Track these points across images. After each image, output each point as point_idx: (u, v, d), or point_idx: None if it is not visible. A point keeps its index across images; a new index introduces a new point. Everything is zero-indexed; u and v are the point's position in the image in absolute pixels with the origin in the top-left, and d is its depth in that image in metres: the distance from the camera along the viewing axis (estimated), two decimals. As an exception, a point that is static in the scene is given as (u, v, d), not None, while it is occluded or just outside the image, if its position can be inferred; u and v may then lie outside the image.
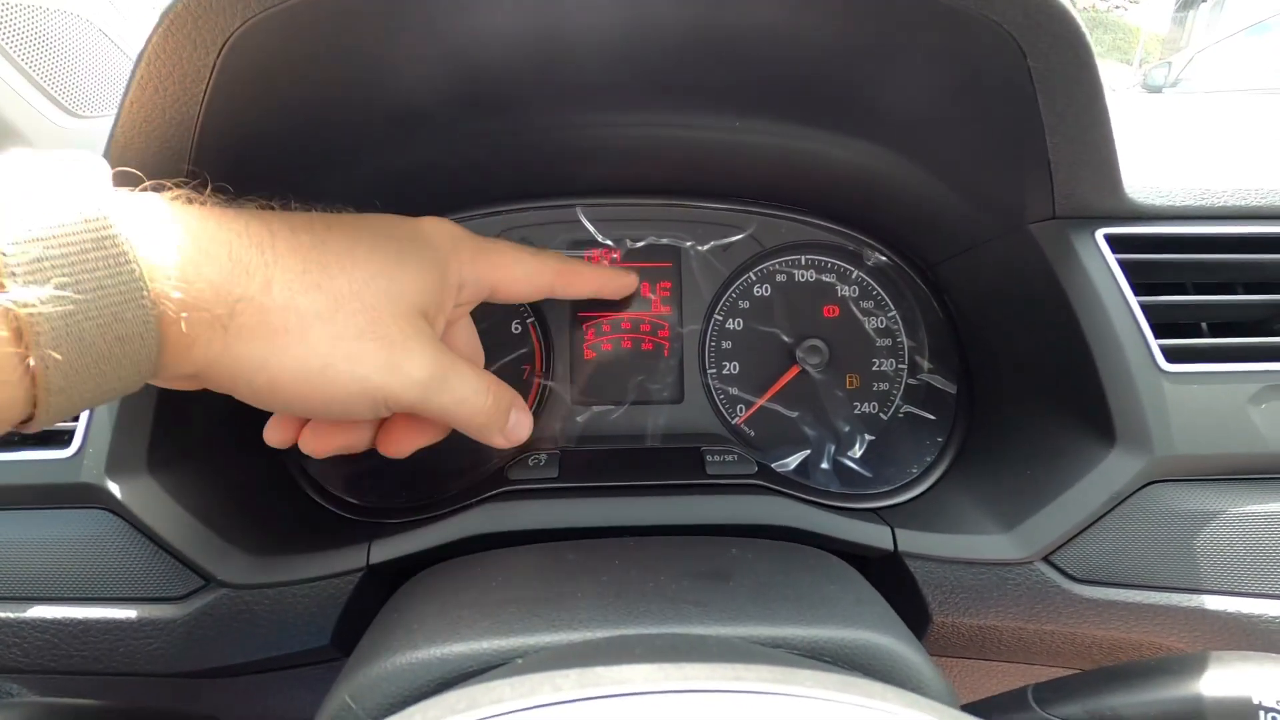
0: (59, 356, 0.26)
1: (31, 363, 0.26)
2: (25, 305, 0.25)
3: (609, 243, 0.63)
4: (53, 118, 0.72)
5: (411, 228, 0.41)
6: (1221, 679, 0.32)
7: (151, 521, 0.42)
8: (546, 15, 0.39)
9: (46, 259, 0.26)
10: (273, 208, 0.37)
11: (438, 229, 0.43)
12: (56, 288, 0.26)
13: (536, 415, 0.63)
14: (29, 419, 0.28)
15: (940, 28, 0.38)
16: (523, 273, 0.47)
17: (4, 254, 0.25)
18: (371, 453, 0.61)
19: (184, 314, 0.30)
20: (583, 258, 0.63)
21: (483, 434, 0.44)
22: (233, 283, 0.31)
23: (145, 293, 0.28)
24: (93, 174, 0.30)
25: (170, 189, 0.33)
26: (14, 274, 0.25)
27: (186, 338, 0.30)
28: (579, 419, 0.63)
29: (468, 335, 0.49)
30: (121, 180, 0.33)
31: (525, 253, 0.48)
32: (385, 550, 0.46)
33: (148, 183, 0.32)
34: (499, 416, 0.44)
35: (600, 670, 0.25)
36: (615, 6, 0.39)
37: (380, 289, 0.36)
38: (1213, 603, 0.43)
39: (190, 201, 0.33)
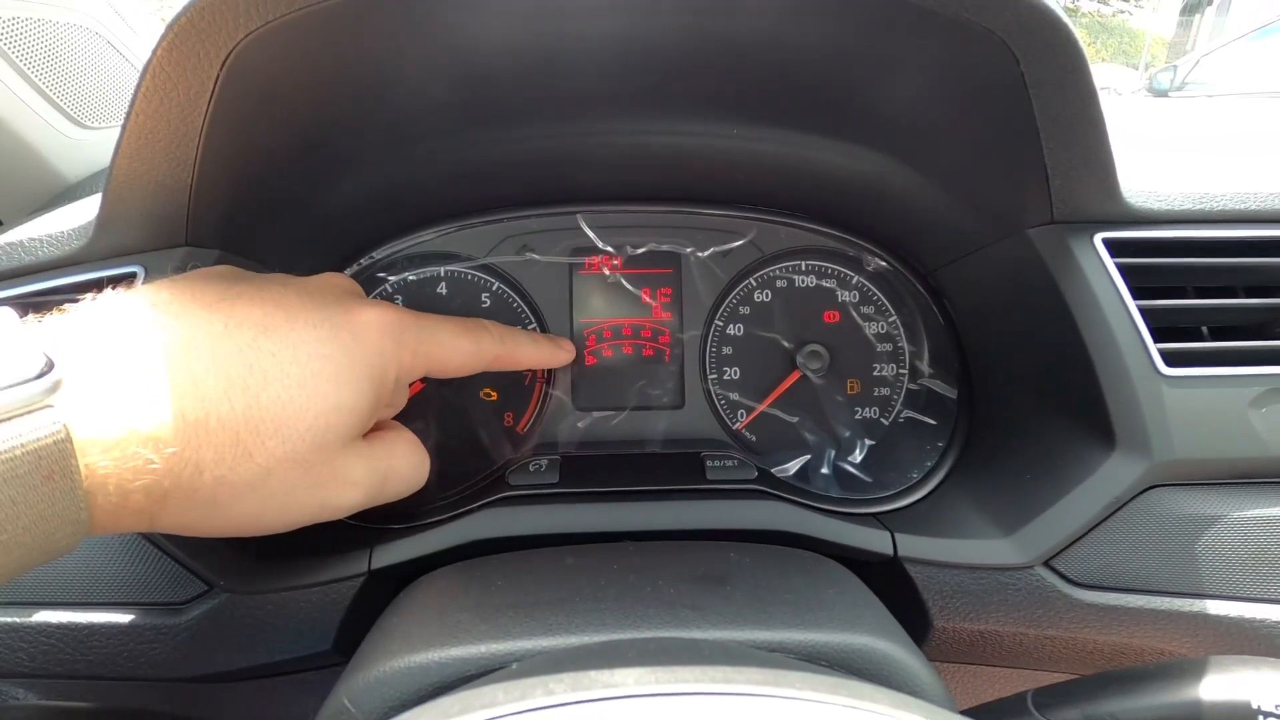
0: None
1: None
2: None
3: (610, 249, 0.63)
4: (61, 129, 0.73)
5: (351, 337, 0.39)
6: (1220, 683, 0.32)
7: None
8: (546, 25, 0.40)
9: None
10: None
11: (377, 330, 0.41)
12: (3, 528, 0.26)
13: (538, 421, 0.63)
14: None
15: (934, 35, 0.39)
16: (459, 359, 0.48)
17: None
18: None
19: (114, 519, 0.30)
20: (584, 264, 0.64)
21: None
22: (163, 479, 0.31)
23: (84, 513, 0.29)
24: (54, 374, 0.28)
25: (125, 298, 0.33)
26: None
27: (110, 527, 0.31)
28: (580, 424, 0.63)
29: (400, 395, 0.50)
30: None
31: (464, 336, 0.48)
32: (387, 555, 0.46)
33: (88, 303, 0.33)
34: (424, 478, 0.47)
35: (593, 673, 0.25)
36: (614, 16, 0.40)
37: (315, 439, 0.36)
38: (1214, 607, 0.43)
39: (124, 356, 0.31)
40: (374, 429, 0.45)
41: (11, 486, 0.26)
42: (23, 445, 0.26)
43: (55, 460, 0.27)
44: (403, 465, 0.44)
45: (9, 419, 0.26)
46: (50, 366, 0.29)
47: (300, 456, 0.35)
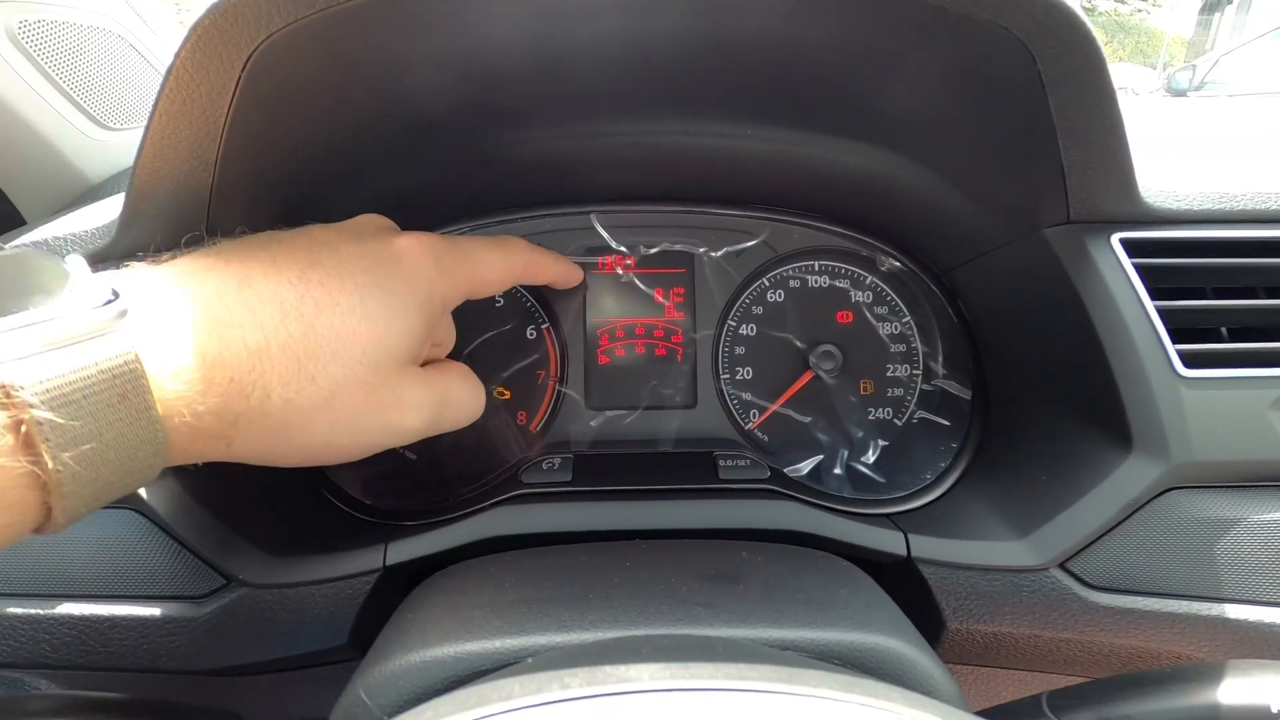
0: (76, 500, 0.28)
1: (52, 503, 0.27)
2: (51, 454, 0.26)
3: (623, 249, 0.64)
4: (84, 129, 0.75)
5: (396, 264, 0.41)
6: (1238, 687, 0.32)
7: (175, 522, 0.44)
8: (559, 26, 0.40)
9: (78, 407, 0.27)
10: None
11: (417, 255, 0.42)
12: (87, 439, 0.27)
13: (551, 420, 0.64)
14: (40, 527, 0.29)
15: (950, 33, 0.39)
16: (495, 273, 0.49)
17: (32, 402, 0.26)
18: (389, 456, 0.62)
19: (191, 441, 0.32)
20: (597, 264, 0.64)
21: None
22: (233, 402, 0.33)
23: (160, 433, 0.30)
24: (117, 305, 0.30)
25: (178, 258, 0.35)
26: (40, 422, 0.26)
27: (192, 451, 0.33)
28: (593, 423, 0.64)
29: (446, 328, 0.50)
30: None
31: (496, 249, 0.49)
32: (401, 551, 0.47)
33: (145, 260, 0.34)
34: (481, 408, 0.48)
35: (608, 669, 0.25)
36: (627, 16, 0.40)
37: (372, 361, 0.38)
38: (1232, 611, 0.43)
39: (184, 294, 0.33)
40: (427, 363, 0.46)
41: (90, 403, 0.27)
42: (97, 366, 0.28)
43: (128, 380, 0.29)
44: (459, 392, 0.45)
45: (83, 342, 0.28)
46: (116, 296, 0.30)
47: (360, 379, 0.37)
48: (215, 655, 0.44)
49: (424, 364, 0.45)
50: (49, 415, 0.26)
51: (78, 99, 0.74)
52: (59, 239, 0.47)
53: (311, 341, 0.35)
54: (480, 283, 0.48)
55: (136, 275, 0.33)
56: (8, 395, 0.25)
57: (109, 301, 0.30)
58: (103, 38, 0.78)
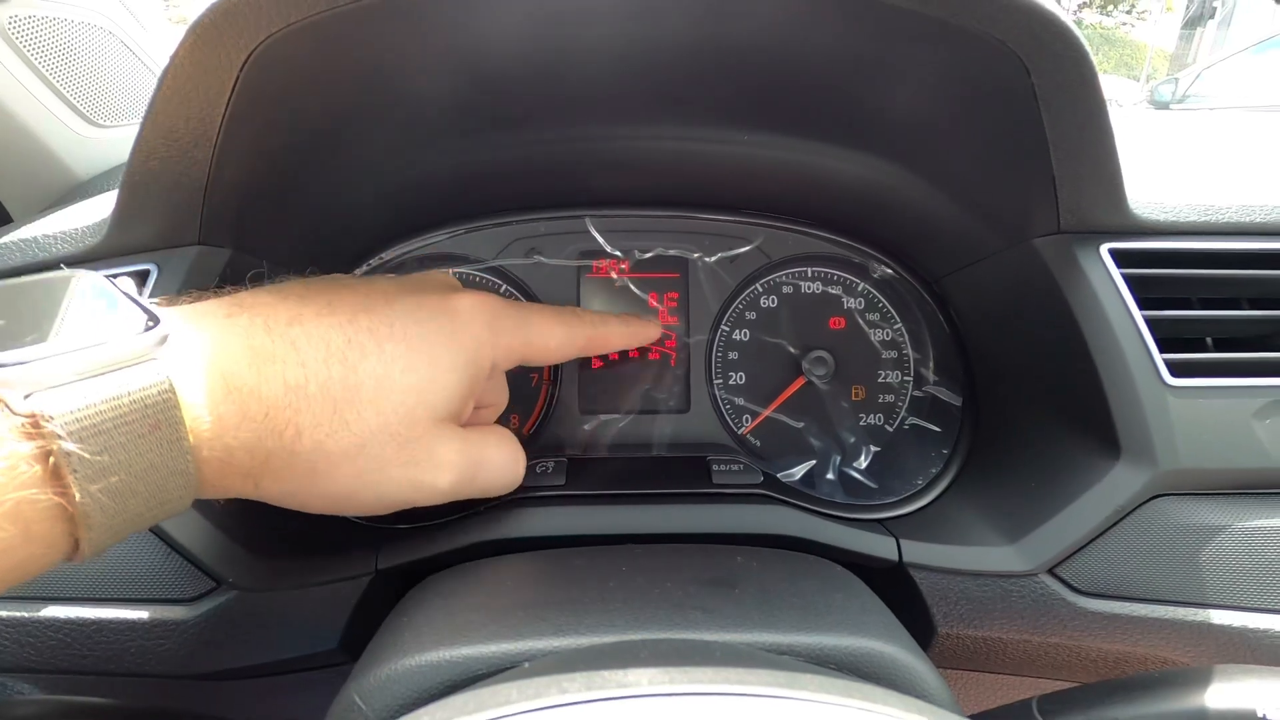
0: (103, 532, 0.27)
1: (79, 535, 0.27)
2: (79, 487, 0.26)
3: (617, 254, 0.64)
4: (74, 127, 0.74)
5: (449, 320, 0.41)
6: (1226, 692, 0.32)
7: (165, 524, 0.43)
8: (557, 29, 0.40)
9: (108, 437, 0.26)
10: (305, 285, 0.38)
11: (473, 313, 0.42)
12: (115, 471, 0.27)
13: (544, 423, 0.64)
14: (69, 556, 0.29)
15: (944, 44, 0.39)
16: (554, 344, 0.48)
17: (60, 434, 0.25)
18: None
19: (221, 478, 0.32)
20: (591, 268, 0.64)
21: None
22: (265, 439, 0.32)
23: (191, 466, 0.30)
24: (157, 331, 0.30)
25: (213, 298, 0.34)
26: (68, 454, 0.25)
27: (221, 488, 0.33)
28: (586, 427, 0.64)
29: (497, 389, 0.50)
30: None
31: (558, 323, 0.48)
32: (394, 555, 0.47)
33: (196, 293, 0.34)
34: (520, 477, 0.47)
35: (606, 673, 0.25)
36: (625, 21, 0.40)
37: (408, 413, 0.37)
38: (1218, 617, 0.43)
39: (230, 324, 0.33)
40: (470, 425, 0.45)
41: (121, 433, 0.27)
42: (130, 395, 0.27)
43: (161, 411, 0.28)
44: (496, 456, 0.44)
45: (117, 370, 0.27)
46: (156, 322, 0.30)
47: (394, 430, 0.36)
48: (205, 659, 0.44)
49: (467, 425, 0.44)
50: (76, 448, 0.25)
51: (68, 95, 0.73)
52: (47, 237, 0.46)
53: (351, 386, 0.35)
54: (538, 352, 0.47)
55: (181, 301, 0.33)
56: (37, 426, 0.25)
57: (149, 328, 0.29)
58: (94, 34, 0.77)
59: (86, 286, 0.30)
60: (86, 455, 0.26)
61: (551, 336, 0.47)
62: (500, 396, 0.50)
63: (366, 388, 0.35)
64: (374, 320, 0.37)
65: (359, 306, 0.37)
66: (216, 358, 0.31)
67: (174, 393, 0.28)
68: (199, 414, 0.30)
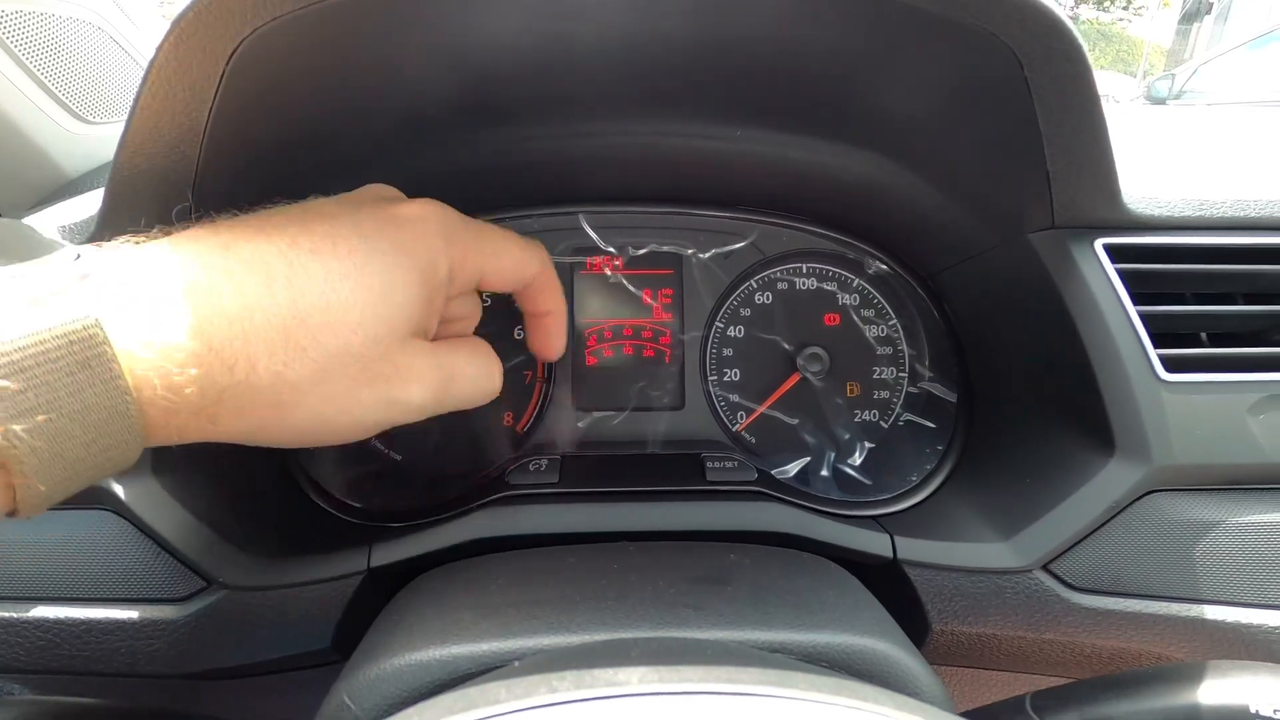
0: (40, 478, 0.26)
1: (14, 482, 0.26)
2: (2, 422, 0.25)
3: (611, 250, 0.63)
4: (63, 123, 0.73)
5: (396, 230, 0.38)
6: (1218, 688, 0.32)
7: (154, 523, 0.43)
8: (552, 25, 0.40)
9: (30, 374, 0.25)
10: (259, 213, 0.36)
11: (423, 222, 0.40)
12: (41, 410, 0.26)
13: (538, 421, 0.63)
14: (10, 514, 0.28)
15: (938, 39, 0.39)
16: (511, 262, 0.45)
17: None
18: (373, 456, 0.62)
19: (170, 417, 0.30)
20: (585, 264, 0.64)
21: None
22: (215, 374, 0.30)
23: (131, 406, 0.28)
24: (81, 266, 0.28)
25: (154, 236, 0.33)
26: None
27: (173, 429, 0.31)
28: (580, 425, 0.63)
29: (467, 304, 0.47)
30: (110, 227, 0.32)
31: (515, 243, 0.46)
32: (386, 554, 0.46)
33: (126, 237, 0.32)
34: (498, 387, 0.44)
35: (596, 672, 0.25)
36: (619, 17, 0.40)
37: (367, 332, 0.35)
38: (1211, 612, 0.43)
39: (170, 258, 0.31)
40: (441, 338, 0.44)
41: (45, 370, 0.26)
42: (52, 331, 0.26)
43: (89, 347, 0.27)
44: (469, 368, 0.42)
45: (39, 304, 0.26)
46: (78, 258, 0.28)
47: (355, 351, 0.34)
48: (196, 659, 0.43)
49: (438, 338, 0.42)
50: None
51: (56, 92, 0.72)
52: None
53: (300, 311, 0.33)
54: (495, 269, 0.44)
55: (113, 246, 0.31)
56: None
57: (73, 264, 0.28)
58: (82, 29, 0.76)
59: (8, 232, 0.29)
60: (9, 389, 0.24)
61: (507, 252, 0.45)
62: (470, 309, 0.47)
63: (318, 311, 0.33)
64: (316, 241, 0.35)
65: (298, 229, 0.35)
66: (148, 293, 0.29)
67: (100, 328, 0.27)
68: (135, 351, 0.28)
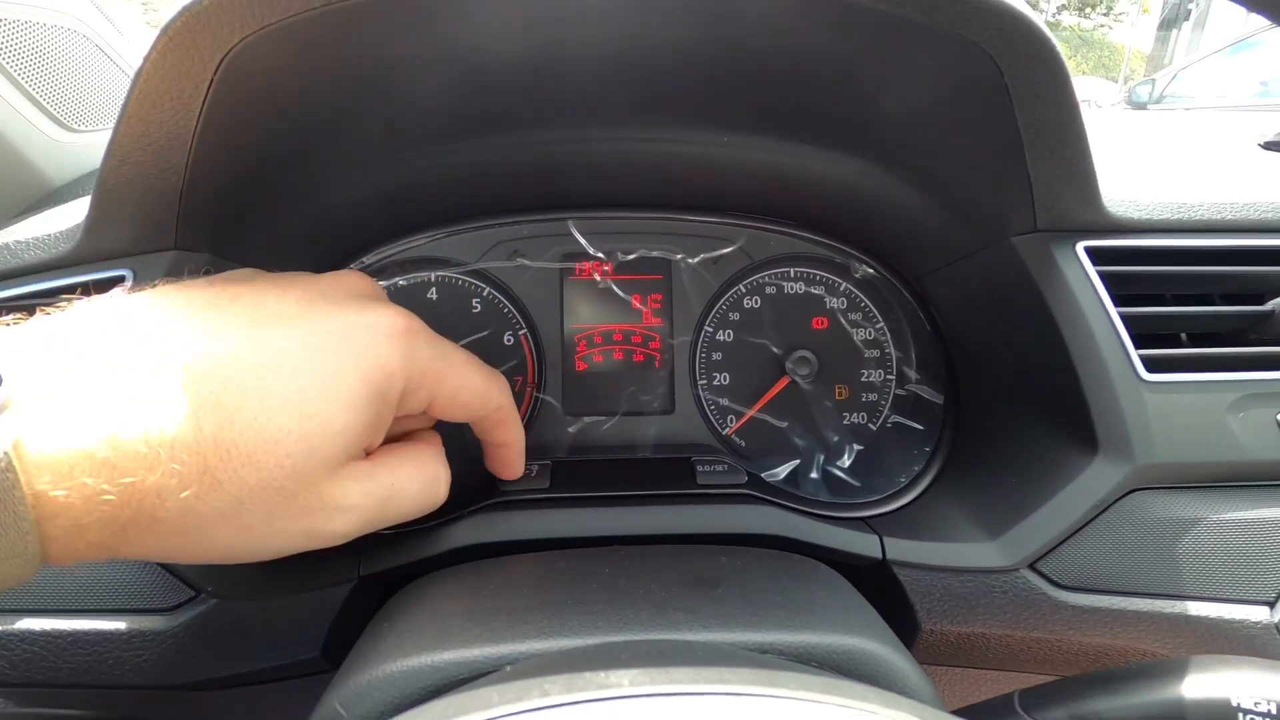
0: None
1: None
2: None
3: (600, 255, 0.64)
4: (48, 132, 0.73)
5: (353, 343, 0.35)
6: (1201, 682, 0.33)
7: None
8: (544, 32, 0.40)
9: None
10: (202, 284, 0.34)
11: (386, 334, 0.36)
12: None
13: (529, 426, 0.63)
14: None
15: (921, 46, 0.40)
16: (469, 395, 0.42)
17: None
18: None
19: (71, 545, 0.28)
20: (575, 270, 0.64)
21: None
22: (121, 509, 0.28)
23: (32, 540, 0.26)
24: (3, 390, 0.26)
25: (92, 305, 0.31)
26: None
27: (73, 556, 0.29)
28: (571, 430, 0.63)
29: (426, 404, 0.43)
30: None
31: (478, 372, 0.43)
32: (376, 562, 0.46)
33: (48, 317, 0.30)
34: (442, 498, 0.42)
35: (587, 674, 0.25)
36: (610, 25, 0.40)
37: (295, 466, 0.32)
38: (1194, 608, 0.44)
39: (97, 373, 0.28)
40: (405, 437, 0.42)
41: None
42: None
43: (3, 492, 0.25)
44: (410, 485, 0.39)
45: None
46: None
47: (278, 485, 0.31)
48: (184, 669, 0.43)
49: (387, 441, 0.40)
50: None
51: (40, 100, 0.72)
52: (20, 243, 0.46)
53: (224, 440, 0.30)
54: (449, 396, 0.41)
55: (38, 340, 0.29)
56: None
57: None
58: (67, 38, 0.76)
59: None
60: None
61: (468, 384, 0.42)
62: (424, 403, 0.43)
63: (244, 440, 0.30)
64: (259, 354, 0.32)
65: (243, 335, 0.32)
66: (67, 421, 0.27)
67: (13, 469, 0.25)
68: (46, 489, 0.26)
